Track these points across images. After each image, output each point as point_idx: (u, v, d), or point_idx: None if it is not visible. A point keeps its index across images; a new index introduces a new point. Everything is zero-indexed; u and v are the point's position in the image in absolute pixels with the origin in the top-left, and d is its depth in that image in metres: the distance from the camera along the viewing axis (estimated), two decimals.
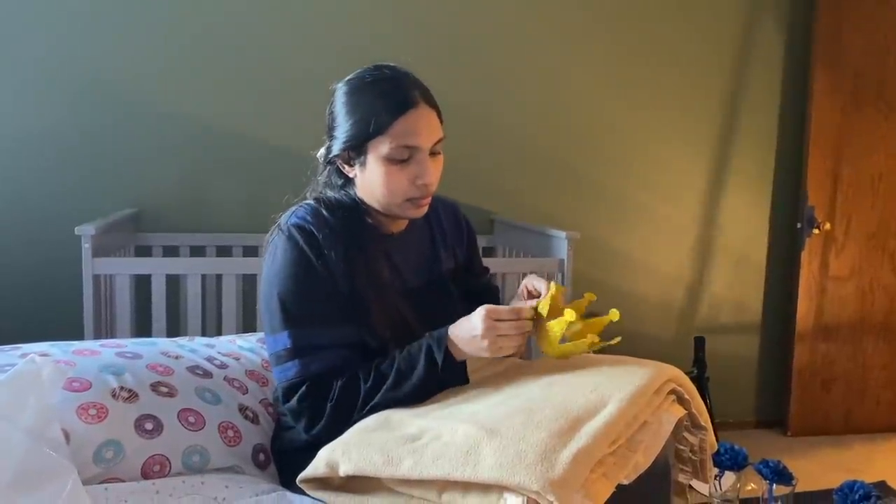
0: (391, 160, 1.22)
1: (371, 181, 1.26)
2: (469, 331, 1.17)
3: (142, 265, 2.22)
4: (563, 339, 1.17)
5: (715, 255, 3.22)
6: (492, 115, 2.92)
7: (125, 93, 2.63)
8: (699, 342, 2.98)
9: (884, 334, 3.22)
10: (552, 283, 1.21)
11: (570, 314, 1.13)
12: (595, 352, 1.19)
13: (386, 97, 1.22)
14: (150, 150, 2.66)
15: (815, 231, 3.07)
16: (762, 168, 3.22)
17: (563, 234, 2.38)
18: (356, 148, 1.25)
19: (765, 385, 3.33)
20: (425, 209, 1.29)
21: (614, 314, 1.18)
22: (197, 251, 2.68)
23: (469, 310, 1.24)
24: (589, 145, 3.05)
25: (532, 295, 1.26)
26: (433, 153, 1.26)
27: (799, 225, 3.12)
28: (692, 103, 3.11)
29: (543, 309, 1.17)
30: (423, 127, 1.23)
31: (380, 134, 1.21)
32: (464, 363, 1.21)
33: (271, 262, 1.25)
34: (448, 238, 1.44)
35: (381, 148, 1.22)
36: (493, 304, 1.44)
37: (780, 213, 3.25)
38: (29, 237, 2.59)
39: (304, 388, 1.18)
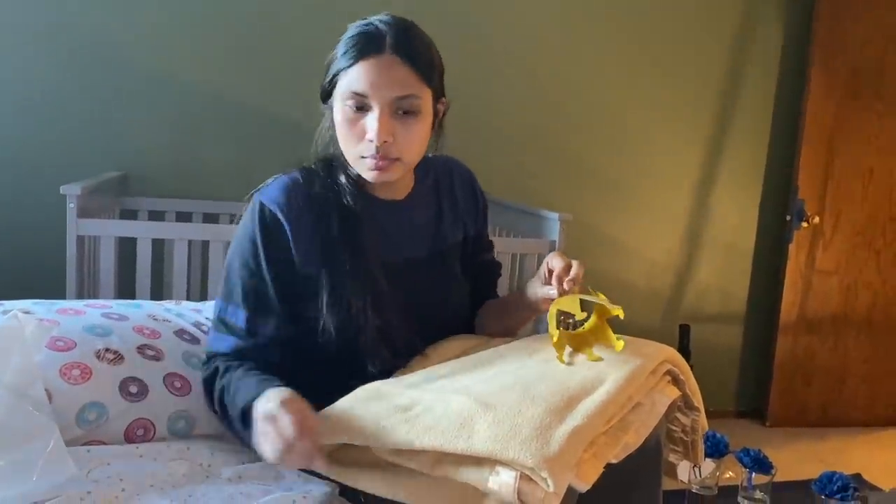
0: (344, 108, 1.13)
1: (336, 131, 1.18)
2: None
3: (128, 228, 2.17)
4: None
5: (703, 244, 3.23)
6: (485, 95, 2.88)
7: (116, 53, 2.57)
8: (684, 330, 2.99)
9: (865, 330, 3.25)
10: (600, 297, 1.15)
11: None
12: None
13: (354, 40, 1.12)
14: (139, 113, 2.61)
15: (804, 224, 3.08)
16: (755, 159, 3.22)
17: (555, 215, 2.36)
18: (326, 91, 1.18)
19: (746, 375, 3.35)
20: (381, 174, 1.15)
21: (619, 312, 1.13)
22: (183, 217, 2.64)
23: (468, 283, 1.23)
24: (583, 129, 3.03)
25: (552, 272, 1.17)
26: (406, 112, 1.12)
27: (788, 217, 3.13)
28: (688, 91, 3.10)
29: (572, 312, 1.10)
30: (380, 77, 1.09)
31: (337, 78, 1.14)
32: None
33: (236, 229, 1.23)
34: (460, 208, 1.36)
35: (338, 94, 1.14)
36: (493, 281, 1.42)
37: (770, 205, 3.26)
38: (13, 195, 2.53)
39: (207, 362, 1.21)
